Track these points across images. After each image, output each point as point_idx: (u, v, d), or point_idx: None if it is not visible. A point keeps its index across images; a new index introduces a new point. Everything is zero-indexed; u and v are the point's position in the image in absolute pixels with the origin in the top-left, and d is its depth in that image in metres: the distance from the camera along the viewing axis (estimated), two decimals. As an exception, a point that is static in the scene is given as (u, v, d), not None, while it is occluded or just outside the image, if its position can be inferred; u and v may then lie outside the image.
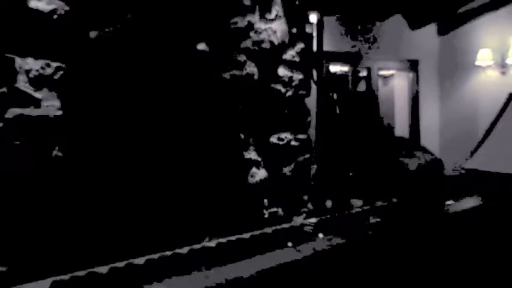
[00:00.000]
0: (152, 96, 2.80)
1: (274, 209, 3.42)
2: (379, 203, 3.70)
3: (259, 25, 3.41)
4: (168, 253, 2.44)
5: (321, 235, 2.91)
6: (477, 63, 5.94)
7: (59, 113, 2.40)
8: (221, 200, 3.09)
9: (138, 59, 2.73)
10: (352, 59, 5.38)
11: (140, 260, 2.32)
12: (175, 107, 2.91)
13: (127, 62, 2.68)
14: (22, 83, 2.29)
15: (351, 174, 4.20)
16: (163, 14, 2.85)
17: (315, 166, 3.89)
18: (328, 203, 3.92)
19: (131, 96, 2.70)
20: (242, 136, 3.31)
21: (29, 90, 2.31)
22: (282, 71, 3.60)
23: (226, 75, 3.21)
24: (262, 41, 3.44)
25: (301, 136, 3.74)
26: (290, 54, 3.66)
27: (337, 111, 4.98)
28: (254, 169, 3.35)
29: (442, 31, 6.34)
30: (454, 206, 3.85)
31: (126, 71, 2.67)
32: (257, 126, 3.42)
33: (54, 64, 2.40)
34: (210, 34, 3.10)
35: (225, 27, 3.20)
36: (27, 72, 2.31)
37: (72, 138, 2.46)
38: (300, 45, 3.73)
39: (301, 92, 3.76)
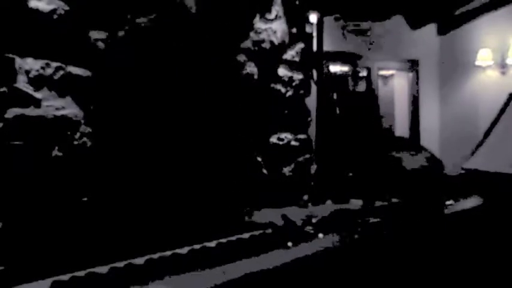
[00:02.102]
0: (152, 97, 2.79)
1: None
2: (379, 203, 3.70)
3: (259, 25, 3.41)
4: (168, 253, 2.44)
5: (321, 235, 2.91)
6: (477, 63, 5.94)
7: (61, 113, 2.40)
8: (221, 199, 3.09)
9: (139, 60, 2.73)
10: (352, 59, 5.38)
11: (140, 260, 2.32)
12: (176, 107, 2.91)
13: (128, 63, 2.68)
14: (22, 83, 2.29)
15: (350, 174, 4.20)
16: (165, 15, 2.85)
17: (315, 166, 3.89)
18: (328, 203, 3.92)
19: (131, 96, 2.70)
20: (242, 136, 3.31)
21: (29, 90, 2.31)
22: (282, 71, 3.60)
23: (227, 76, 3.21)
24: (262, 41, 3.43)
25: (301, 136, 3.74)
26: (290, 54, 3.66)
27: (337, 111, 4.98)
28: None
29: (442, 31, 6.34)
30: (454, 206, 3.85)
31: (126, 71, 2.67)
32: (257, 126, 3.42)
33: (54, 64, 2.40)
34: (211, 35, 3.10)
35: (225, 29, 3.20)
36: (27, 72, 2.31)
37: (72, 138, 2.46)
38: (300, 45, 3.73)
39: (301, 92, 3.76)
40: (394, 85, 6.12)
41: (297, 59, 3.69)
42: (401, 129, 5.94)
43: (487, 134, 5.12)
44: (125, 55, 2.64)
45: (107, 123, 2.60)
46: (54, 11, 2.38)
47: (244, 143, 3.33)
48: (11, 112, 2.24)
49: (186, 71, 2.97)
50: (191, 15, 2.87)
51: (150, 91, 2.79)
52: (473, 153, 4.96)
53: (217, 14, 3.09)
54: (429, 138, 6.05)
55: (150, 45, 2.75)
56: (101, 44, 2.55)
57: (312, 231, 2.95)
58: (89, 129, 2.50)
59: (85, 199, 2.47)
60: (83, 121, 2.49)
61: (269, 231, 2.94)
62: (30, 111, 2.30)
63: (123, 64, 2.64)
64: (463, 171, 4.61)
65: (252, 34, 3.36)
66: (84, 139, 2.49)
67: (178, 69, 2.92)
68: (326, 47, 4.68)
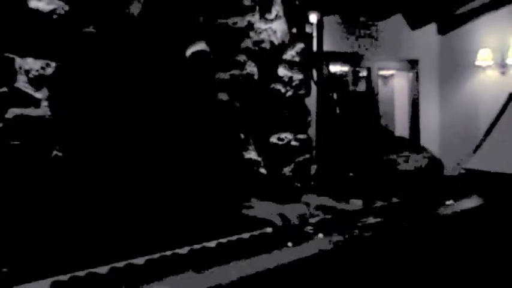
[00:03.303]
0: (151, 96, 2.80)
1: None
2: (379, 203, 3.70)
3: (259, 25, 3.41)
4: (168, 253, 2.44)
5: (321, 235, 2.91)
6: (477, 63, 5.94)
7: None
8: (221, 199, 3.09)
9: (137, 59, 2.73)
10: (352, 59, 5.38)
11: (140, 260, 2.32)
12: (175, 106, 2.91)
13: (127, 61, 2.68)
14: (22, 83, 2.29)
15: (351, 174, 4.20)
16: (163, 13, 2.85)
17: (315, 166, 3.89)
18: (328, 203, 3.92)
19: (131, 96, 2.70)
20: (242, 136, 3.31)
21: (29, 90, 2.31)
22: (282, 71, 3.60)
23: (226, 75, 3.21)
24: (262, 41, 3.44)
25: (301, 136, 3.74)
26: (290, 54, 3.66)
27: (337, 111, 4.98)
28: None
29: (442, 31, 6.34)
30: (454, 206, 3.85)
31: (125, 70, 2.67)
32: (257, 126, 3.42)
33: (54, 64, 2.40)
34: (210, 34, 3.10)
35: (225, 27, 3.20)
36: (27, 72, 2.31)
37: (71, 138, 2.46)
38: (300, 45, 3.73)
39: (301, 92, 3.76)
40: (394, 85, 6.13)
41: (297, 59, 3.69)
42: (401, 129, 5.94)
43: (487, 134, 5.11)
44: (117, 53, 2.64)
45: (107, 123, 2.60)
46: (54, 11, 2.39)
47: (243, 143, 3.33)
48: (11, 112, 2.24)
49: (185, 72, 2.97)
50: (136, 20, 2.80)
51: (149, 91, 2.79)
52: (473, 153, 4.96)
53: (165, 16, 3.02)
54: (429, 138, 6.05)
55: (144, 46, 2.75)
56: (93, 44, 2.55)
57: (311, 231, 2.95)
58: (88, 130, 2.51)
59: (85, 199, 2.47)
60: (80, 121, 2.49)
61: (269, 230, 2.94)
62: (30, 111, 2.31)
63: (117, 62, 2.64)
64: (463, 171, 4.61)
65: (252, 34, 3.36)
66: (83, 139, 2.49)
67: (177, 69, 2.92)
68: (326, 47, 4.68)
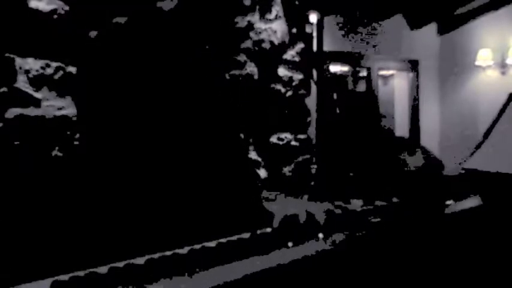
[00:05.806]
0: (151, 96, 2.80)
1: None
2: (379, 203, 3.70)
3: (259, 25, 3.42)
4: (168, 253, 2.45)
5: (321, 235, 2.91)
6: (477, 63, 5.94)
7: (61, 113, 2.40)
8: (221, 199, 3.09)
9: (138, 59, 2.73)
10: (352, 59, 5.38)
11: (140, 260, 2.32)
12: (175, 106, 2.91)
13: (126, 62, 2.68)
14: (22, 83, 2.29)
15: (351, 174, 4.20)
16: (164, 14, 2.85)
17: (315, 166, 3.89)
18: (328, 203, 3.92)
19: (131, 95, 2.70)
20: (242, 136, 3.31)
21: (29, 90, 2.31)
22: (282, 71, 3.60)
23: (226, 75, 3.21)
24: (262, 41, 3.44)
25: (301, 136, 3.74)
26: (290, 54, 3.66)
27: (337, 111, 4.98)
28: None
29: (442, 31, 6.34)
30: (454, 206, 3.85)
31: (125, 71, 2.67)
32: (257, 126, 3.42)
33: (54, 64, 2.40)
34: (210, 34, 3.10)
35: (225, 27, 3.20)
36: (27, 72, 2.31)
37: (71, 138, 2.46)
38: (300, 45, 3.74)
39: (301, 92, 3.76)
40: (394, 85, 6.12)
41: (297, 59, 3.70)
42: (401, 129, 5.94)
43: (487, 134, 5.11)
44: (119, 54, 2.64)
45: (107, 123, 2.60)
46: (54, 11, 2.39)
47: (244, 143, 3.33)
48: (11, 112, 2.24)
49: (185, 72, 2.97)
50: (165, 14, 2.81)
51: (149, 91, 2.79)
52: (473, 153, 4.96)
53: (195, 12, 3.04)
54: (429, 138, 6.05)
55: (145, 46, 2.75)
56: (96, 44, 2.55)
57: (311, 231, 2.95)
58: (87, 129, 2.51)
59: (85, 199, 2.47)
60: (81, 121, 2.49)
61: (268, 230, 2.94)
62: (30, 111, 2.31)
63: (116, 63, 2.64)
64: (463, 171, 4.61)
65: (252, 34, 3.36)
66: (84, 139, 2.49)
67: (177, 69, 2.92)
68: (326, 47, 4.68)
